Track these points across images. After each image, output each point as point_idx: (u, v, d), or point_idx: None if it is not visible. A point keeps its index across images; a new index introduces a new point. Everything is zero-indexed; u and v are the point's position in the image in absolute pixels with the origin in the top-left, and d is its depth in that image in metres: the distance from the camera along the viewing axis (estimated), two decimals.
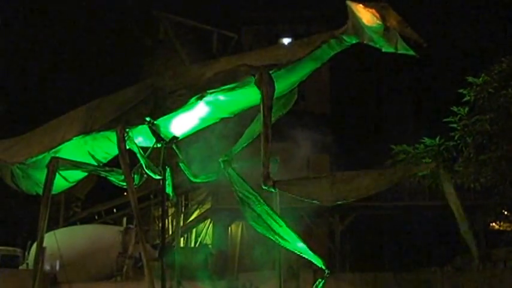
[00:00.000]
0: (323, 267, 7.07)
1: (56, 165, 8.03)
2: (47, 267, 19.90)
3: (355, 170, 7.01)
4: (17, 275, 20.45)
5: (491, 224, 28.81)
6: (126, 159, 7.99)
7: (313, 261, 7.13)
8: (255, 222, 7.51)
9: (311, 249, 7.11)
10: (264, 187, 7.21)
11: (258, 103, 7.79)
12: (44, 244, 8.38)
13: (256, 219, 7.48)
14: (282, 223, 7.21)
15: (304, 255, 7.16)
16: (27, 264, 22.41)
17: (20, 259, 24.09)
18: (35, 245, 14.66)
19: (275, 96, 8.14)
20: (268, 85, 7.49)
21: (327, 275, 7.11)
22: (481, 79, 12.55)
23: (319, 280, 7.24)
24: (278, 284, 9.15)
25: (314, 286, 7.27)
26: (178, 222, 9.62)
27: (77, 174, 9.07)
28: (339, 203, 7.08)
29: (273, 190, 7.23)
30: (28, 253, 23.18)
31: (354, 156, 29.45)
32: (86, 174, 9.11)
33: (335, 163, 29.60)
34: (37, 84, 30.11)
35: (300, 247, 7.14)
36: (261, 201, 7.46)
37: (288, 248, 7.32)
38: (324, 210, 26.19)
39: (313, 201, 7.11)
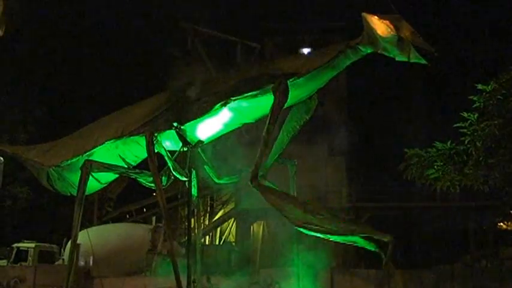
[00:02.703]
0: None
1: (89, 167, 8.10)
2: (81, 262, 20.01)
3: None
4: (54, 270, 20.62)
5: (499, 224, 28.52)
6: (154, 161, 8.02)
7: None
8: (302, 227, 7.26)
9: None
10: (249, 183, 7.34)
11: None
12: (78, 241, 8.44)
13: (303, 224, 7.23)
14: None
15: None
16: (63, 259, 22.57)
17: (56, 255, 24.30)
18: (70, 242, 14.76)
19: (295, 102, 8.13)
20: (282, 94, 7.48)
21: None
22: (490, 86, 12.37)
23: None
24: (297, 279, 9.13)
25: None
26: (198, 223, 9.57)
27: (108, 176, 9.13)
28: (303, 230, 7.22)
29: (255, 189, 7.36)
30: (64, 249, 23.35)
31: (369, 159, 29.38)
32: (116, 176, 9.16)
33: (350, 165, 29.46)
34: (73, 90, 30.38)
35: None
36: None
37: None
38: (340, 211, 26.04)
39: (282, 215, 7.26)
